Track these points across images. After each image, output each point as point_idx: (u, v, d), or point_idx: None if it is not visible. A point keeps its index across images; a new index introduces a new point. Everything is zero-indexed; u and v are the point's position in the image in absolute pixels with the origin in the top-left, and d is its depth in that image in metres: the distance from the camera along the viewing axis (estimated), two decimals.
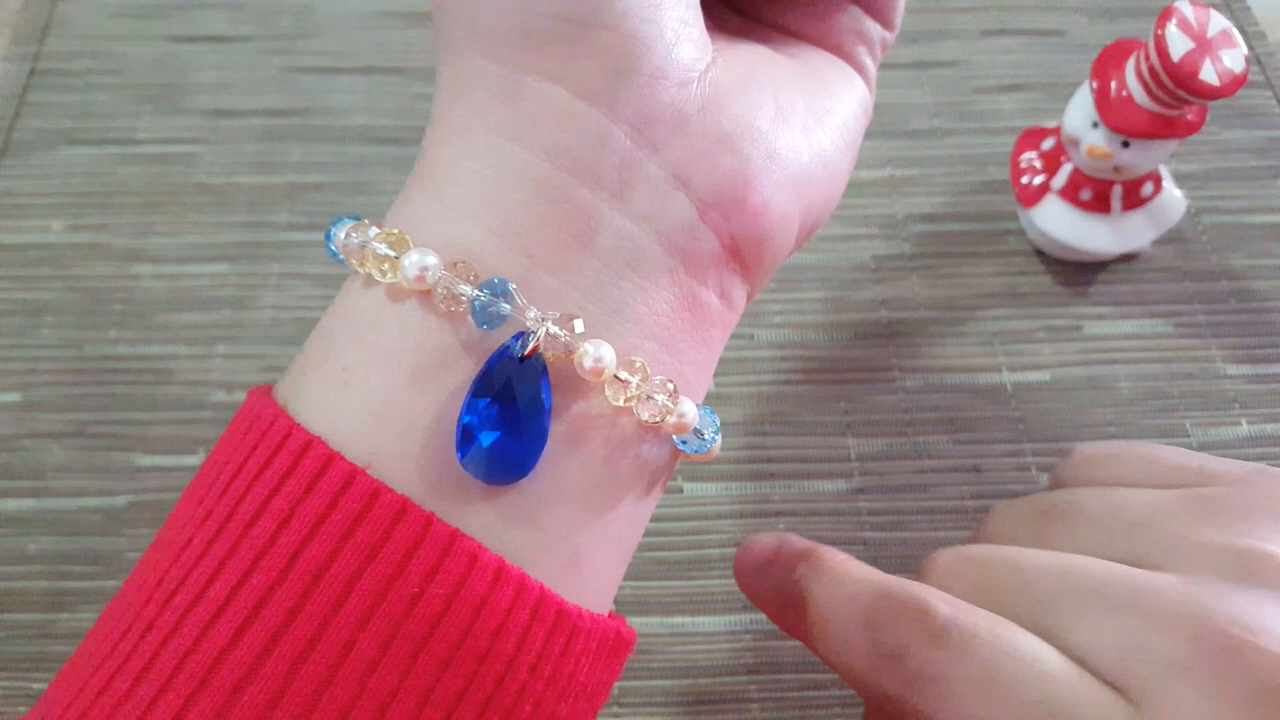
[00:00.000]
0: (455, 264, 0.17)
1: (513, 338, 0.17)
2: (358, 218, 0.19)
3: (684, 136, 0.18)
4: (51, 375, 0.35)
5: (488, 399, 0.17)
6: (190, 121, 0.41)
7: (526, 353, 0.17)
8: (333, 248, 0.19)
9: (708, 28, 0.20)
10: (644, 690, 0.30)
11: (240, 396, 0.35)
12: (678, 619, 0.31)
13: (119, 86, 0.42)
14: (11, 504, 0.33)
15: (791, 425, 0.35)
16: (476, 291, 0.17)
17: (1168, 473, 0.22)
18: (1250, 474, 0.21)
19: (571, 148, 0.18)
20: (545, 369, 0.17)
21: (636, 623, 0.30)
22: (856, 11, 0.22)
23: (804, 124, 0.20)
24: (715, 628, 0.31)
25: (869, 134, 0.39)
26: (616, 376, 0.18)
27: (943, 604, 0.19)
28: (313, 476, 0.16)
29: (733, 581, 0.33)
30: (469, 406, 0.17)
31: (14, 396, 0.35)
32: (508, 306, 0.17)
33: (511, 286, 0.17)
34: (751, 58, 0.20)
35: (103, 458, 0.34)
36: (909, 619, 0.19)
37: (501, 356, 0.17)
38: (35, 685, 0.30)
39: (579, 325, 0.17)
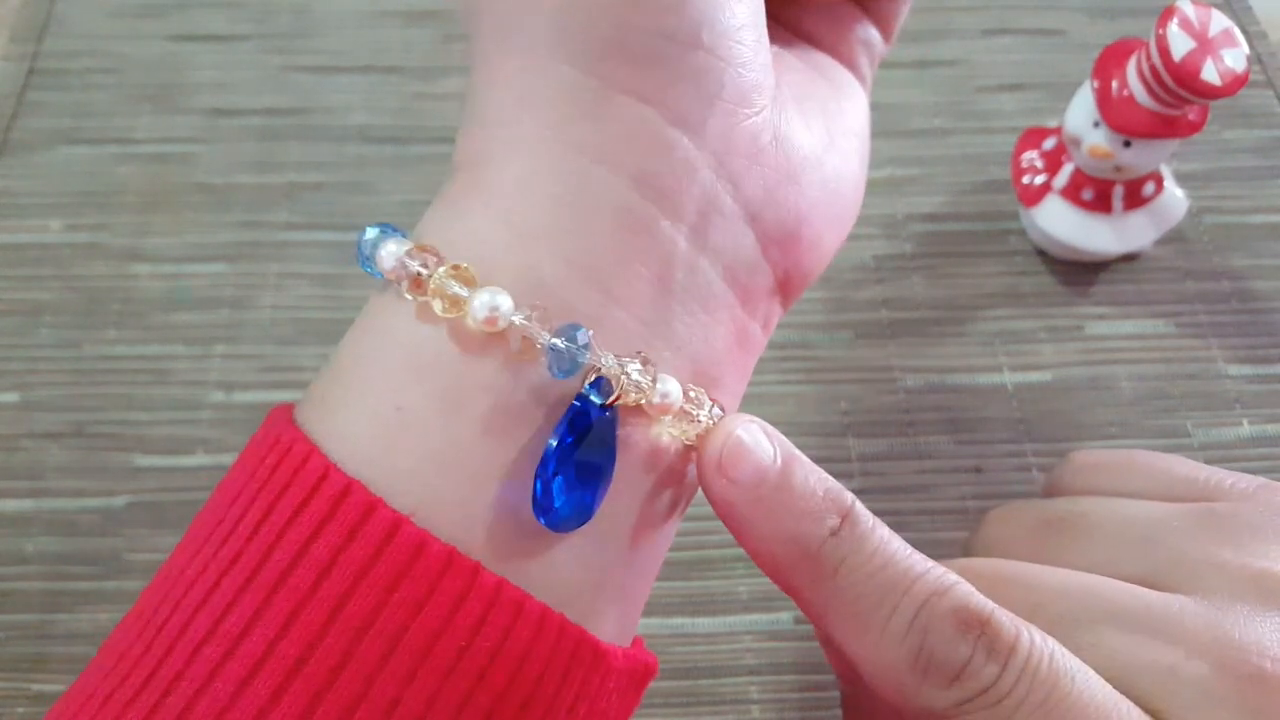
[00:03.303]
0: (528, 306, 0.16)
1: (589, 385, 0.16)
2: (401, 232, 0.17)
3: (758, 168, 0.18)
4: (50, 375, 0.35)
5: (568, 452, 0.16)
6: (189, 121, 0.41)
7: (608, 402, 0.16)
8: (369, 265, 0.17)
9: None
10: (644, 691, 0.30)
11: (239, 397, 0.35)
12: (677, 620, 0.31)
13: (117, 86, 0.42)
14: (10, 504, 0.33)
15: (792, 425, 0.35)
16: (554, 340, 0.16)
17: (1173, 485, 0.22)
18: (1258, 489, 0.21)
19: (659, 176, 0.17)
20: (617, 414, 0.17)
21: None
22: (865, 21, 0.22)
23: (841, 147, 0.19)
24: (715, 628, 0.31)
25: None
26: (682, 409, 0.17)
27: (1005, 617, 0.17)
28: (354, 524, 0.16)
29: (733, 582, 0.33)
30: (550, 460, 0.16)
31: (12, 396, 0.35)
32: (585, 354, 0.16)
33: (590, 334, 0.16)
34: (795, 76, 0.20)
35: (101, 458, 0.34)
36: (970, 632, 0.17)
37: (582, 409, 0.16)
38: (34, 686, 0.30)
39: (654, 373, 0.17)
